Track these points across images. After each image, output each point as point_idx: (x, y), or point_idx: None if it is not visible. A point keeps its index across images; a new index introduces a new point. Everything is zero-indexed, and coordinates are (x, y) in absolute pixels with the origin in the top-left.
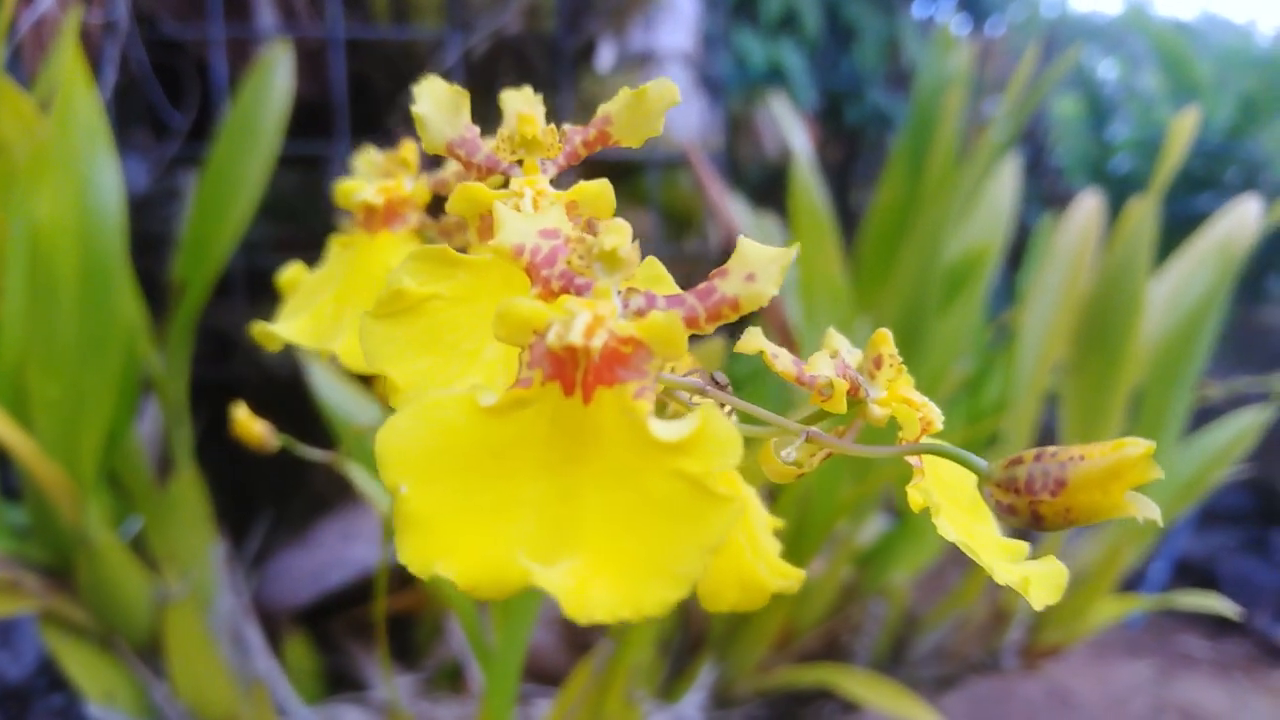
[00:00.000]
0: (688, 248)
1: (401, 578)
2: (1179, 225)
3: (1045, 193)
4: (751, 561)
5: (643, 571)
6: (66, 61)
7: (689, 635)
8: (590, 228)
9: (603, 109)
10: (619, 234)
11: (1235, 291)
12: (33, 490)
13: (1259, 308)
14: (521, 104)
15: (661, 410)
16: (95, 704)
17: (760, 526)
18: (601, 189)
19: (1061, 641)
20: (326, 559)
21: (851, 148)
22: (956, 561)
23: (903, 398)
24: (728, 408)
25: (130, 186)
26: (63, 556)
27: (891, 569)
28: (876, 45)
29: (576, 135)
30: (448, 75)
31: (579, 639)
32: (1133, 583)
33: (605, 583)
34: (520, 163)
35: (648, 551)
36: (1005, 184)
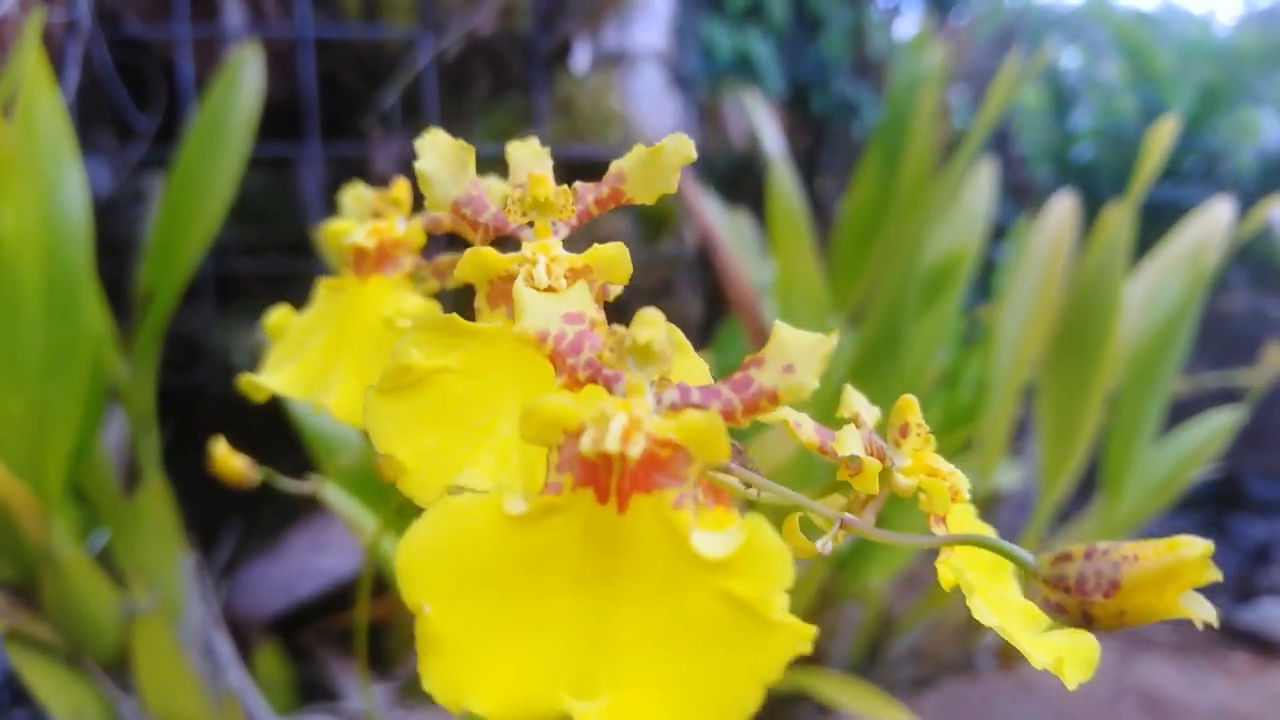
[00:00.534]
0: (663, 249)
1: (375, 587)
2: (1138, 214)
3: (1009, 182)
4: None
5: (695, 708)
6: (29, 65)
7: None
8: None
9: (616, 165)
10: (653, 326)
11: None
12: None
13: (1220, 295)
14: (532, 162)
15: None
16: None
17: None
18: (617, 252)
19: None
20: (297, 569)
21: (818, 135)
22: (933, 563)
23: (929, 467)
24: (754, 488)
25: (94, 190)
26: (27, 573)
27: (868, 572)
28: (843, 34)
29: (589, 194)
30: (420, 76)
31: None
32: None
33: None
34: (531, 224)
35: (696, 684)
36: (981, 188)
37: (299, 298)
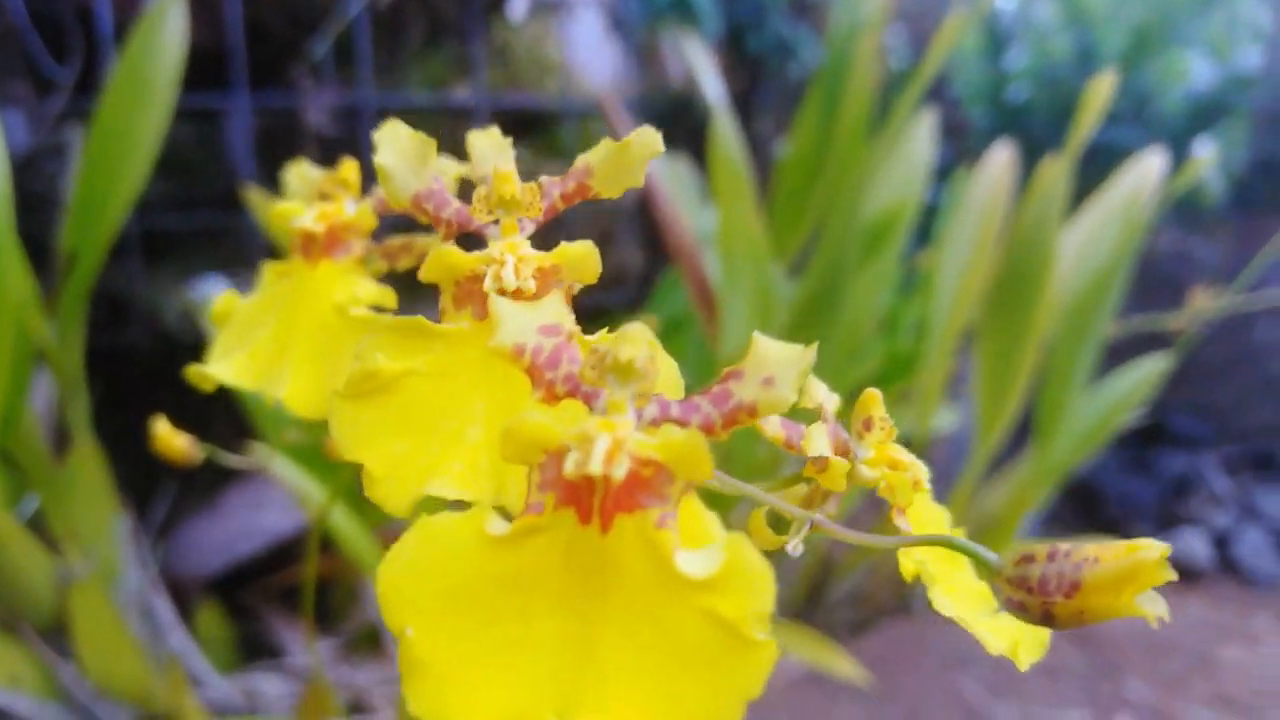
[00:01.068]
0: (604, 200)
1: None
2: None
3: (945, 123)
4: None
5: None
6: None
7: None
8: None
9: (582, 159)
10: (634, 344)
11: None
12: None
13: (1146, 235)
14: (497, 158)
15: None
16: None
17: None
18: (585, 251)
19: None
20: (236, 528)
21: (754, 76)
22: (871, 507)
23: (892, 459)
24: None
25: (11, 145)
26: None
27: None
28: None
29: (554, 189)
30: (352, 24)
31: None
32: None
33: None
34: (496, 222)
35: (679, 703)
36: (921, 141)
37: (228, 254)
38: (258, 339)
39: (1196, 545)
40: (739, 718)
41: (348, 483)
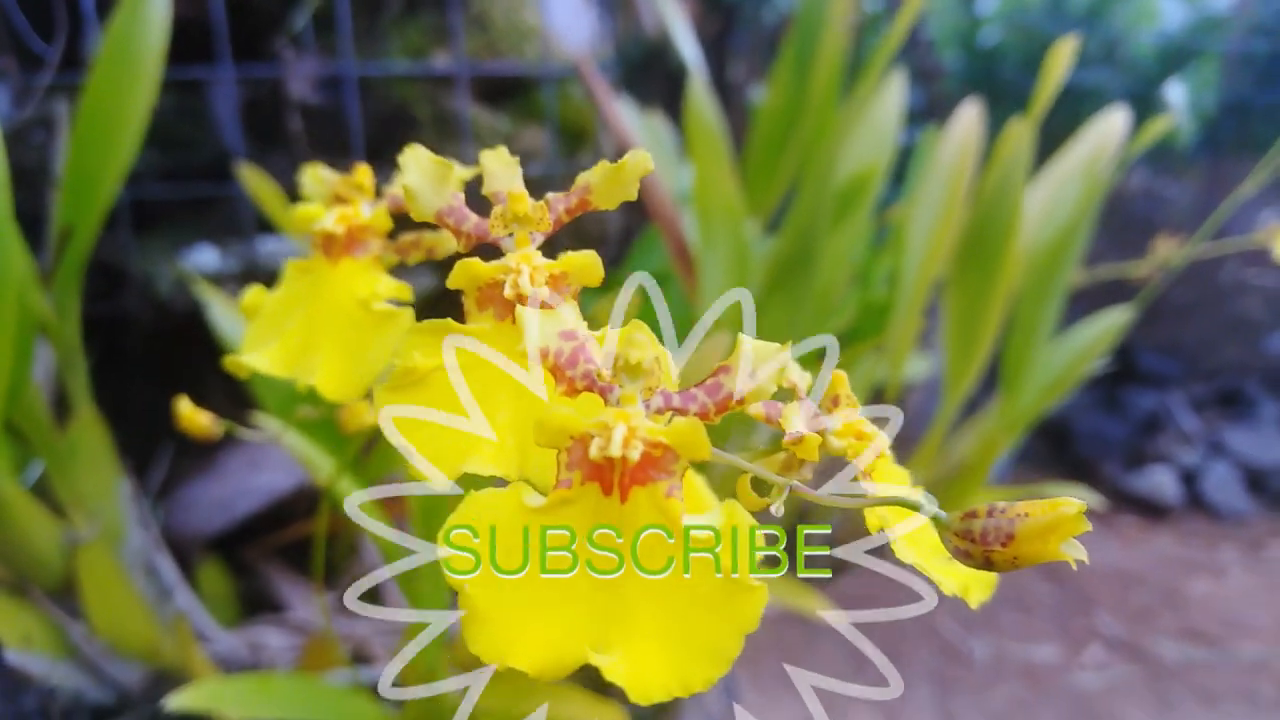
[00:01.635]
0: (582, 161)
1: (314, 500)
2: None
3: (917, 65)
4: None
5: (690, 656)
6: None
7: None
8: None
9: (583, 178)
10: (642, 349)
11: None
12: None
13: (1116, 174)
14: (506, 177)
15: None
16: (12, 649)
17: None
18: (589, 260)
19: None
20: (235, 487)
21: (727, 21)
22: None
23: (858, 430)
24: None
25: None
26: None
27: None
28: None
29: (559, 204)
30: None
31: None
32: None
33: (658, 668)
34: (511, 234)
35: (693, 638)
36: (891, 100)
37: (219, 223)
38: (287, 330)
39: (1165, 482)
40: (739, 647)
41: (353, 452)
